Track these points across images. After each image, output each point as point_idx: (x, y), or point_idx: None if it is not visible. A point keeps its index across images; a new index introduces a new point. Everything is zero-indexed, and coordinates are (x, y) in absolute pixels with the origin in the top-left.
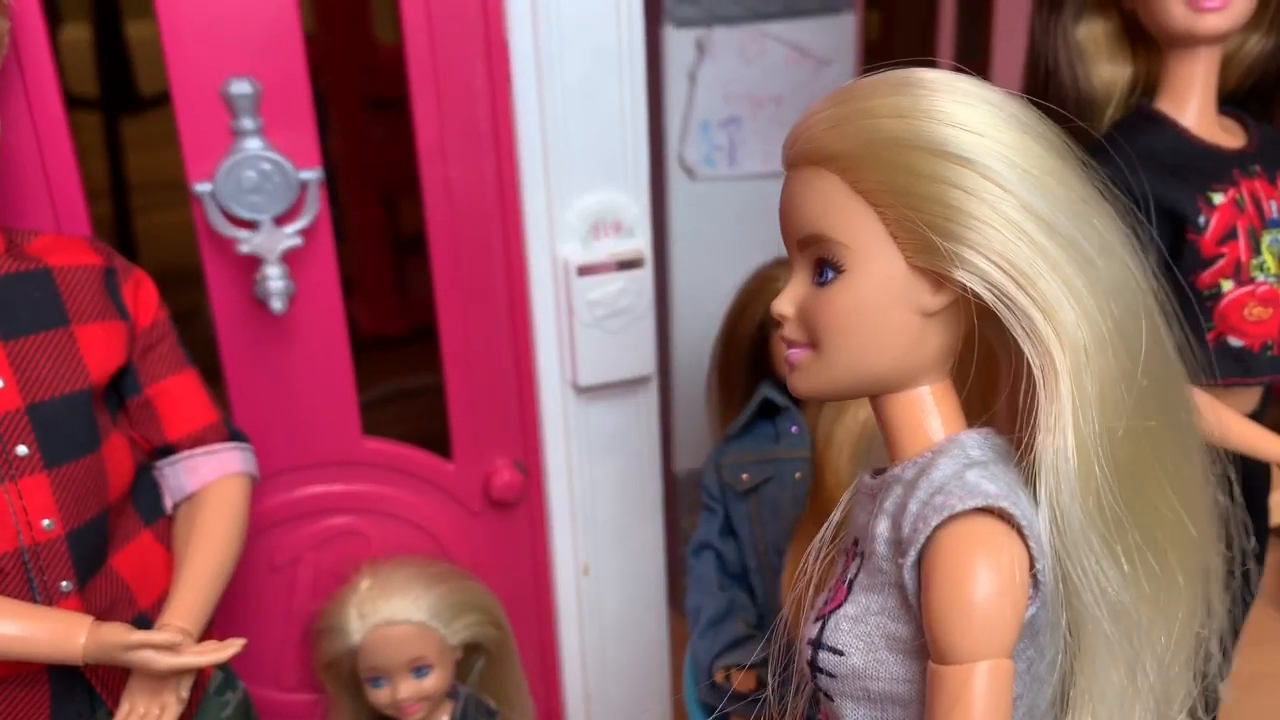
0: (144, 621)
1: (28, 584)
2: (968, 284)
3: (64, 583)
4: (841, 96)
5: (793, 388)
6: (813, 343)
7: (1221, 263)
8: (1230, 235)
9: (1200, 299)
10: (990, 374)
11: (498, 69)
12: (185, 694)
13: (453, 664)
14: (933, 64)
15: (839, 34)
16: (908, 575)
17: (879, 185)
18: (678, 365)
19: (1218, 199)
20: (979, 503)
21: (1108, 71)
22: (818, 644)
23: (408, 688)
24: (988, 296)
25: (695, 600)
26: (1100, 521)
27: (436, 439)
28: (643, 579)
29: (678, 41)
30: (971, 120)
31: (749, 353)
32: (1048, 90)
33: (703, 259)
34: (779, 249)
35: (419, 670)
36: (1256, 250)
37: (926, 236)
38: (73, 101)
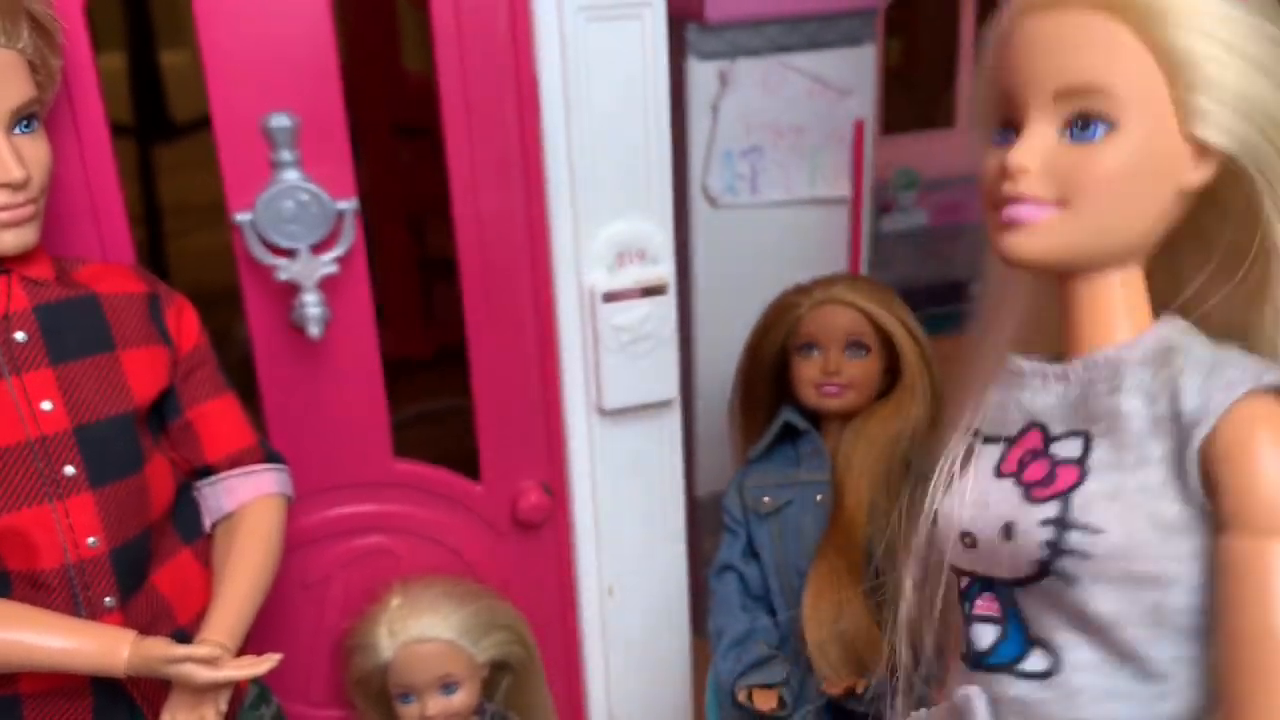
0: (183, 637)
1: (73, 599)
2: (1232, 149)
3: (107, 598)
4: None
5: (1013, 249)
6: (1062, 201)
7: None
8: None
9: None
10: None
11: (527, 103)
12: (223, 707)
13: (480, 681)
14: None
15: (859, 64)
16: (1192, 450)
17: (1174, 44)
18: (700, 389)
19: None
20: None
21: None
22: (1063, 524)
23: (436, 704)
24: (1249, 163)
25: (718, 621)
26: None
27: (464, 459)
28: (665, 600)
29: (701, 74)
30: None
31: (771, 377)
32: None
33: (725, 285)
34: (800, 276)
35: (447, 687)
36: None
37: (1197, 101)
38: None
